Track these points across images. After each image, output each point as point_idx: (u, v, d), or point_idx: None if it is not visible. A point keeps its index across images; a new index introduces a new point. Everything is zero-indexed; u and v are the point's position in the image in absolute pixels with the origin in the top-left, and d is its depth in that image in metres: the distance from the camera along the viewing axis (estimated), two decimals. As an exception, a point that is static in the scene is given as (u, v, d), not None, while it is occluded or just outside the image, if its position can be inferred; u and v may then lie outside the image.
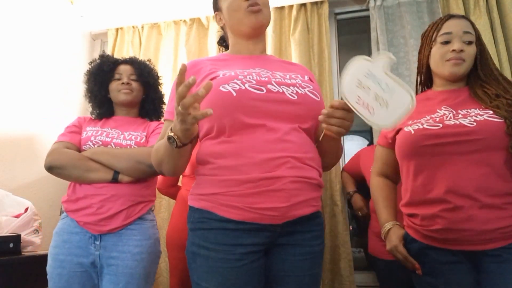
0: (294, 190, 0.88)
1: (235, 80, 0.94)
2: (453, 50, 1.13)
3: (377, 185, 1.32)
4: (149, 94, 1.60)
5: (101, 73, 1.52)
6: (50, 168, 1.36)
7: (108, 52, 2.60)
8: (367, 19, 2.30)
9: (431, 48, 1.21)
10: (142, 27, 2.58)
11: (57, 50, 2.36)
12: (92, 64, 1.56)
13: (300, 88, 0.98)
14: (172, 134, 0.86)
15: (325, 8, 2.29)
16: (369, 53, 0.90)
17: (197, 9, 2.45)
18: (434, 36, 1.20)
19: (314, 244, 0.95)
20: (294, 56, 2.23)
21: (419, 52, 1.28)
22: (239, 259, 0.87)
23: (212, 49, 2.41)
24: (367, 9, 2.28)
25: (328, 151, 1.02)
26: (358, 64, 0.88)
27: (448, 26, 1.17)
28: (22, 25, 2.13)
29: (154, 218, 1.48)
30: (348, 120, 0.88)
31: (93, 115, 1.57)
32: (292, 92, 0.96)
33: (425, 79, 1.29)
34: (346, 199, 2.10)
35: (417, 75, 1.32)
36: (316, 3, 2.33)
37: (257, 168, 0.88)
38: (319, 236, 0.98)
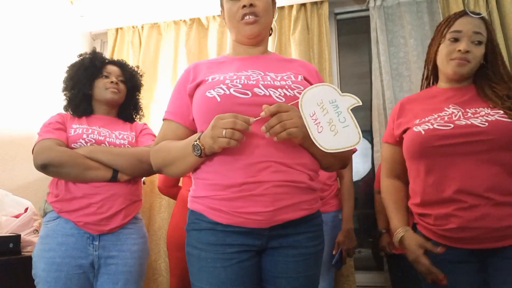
0: (278, 194, 0.87)
1: (221, 85, 0.94)
2: (459, 50, 1.11)
3: (387, 189, 1.26)
4: (131, 98, 1.60)
5: (92, 68, 1.50)
6: (44, 166, 1.29)
7: (108, 52, 2.60)
8: (367, 19, 2.30)
9: (440, 43, 1.18)
10: (142, 27, 2.58)
11: (57, 50, 2.36)
12: (83, 57, 1.54)
13: (289, 89, 0.95)
14: (199, 144, 0.87)
15: (325, 8, 2.29)
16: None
17: (197, 9, 2.44)
18: (444, 32, 1.17)
19: (309, 246, 0.94)
20: (294, 56, 2.23)
21: (429, 45, 1.24)
22: (229, 259, 0.88)
23: (212, 49, 2.40)
24: (367, 9, 2.29)
25: (317, 156, 0.97)
26: (328, 88, 0.91)
27: (460, 24, 1.13)
28: (22, 25, 2.13)
29: (142, 218, 1.51)
30: (291, 118, 0.85)
31: (70, 111, 1.49)
32: (279, 95, 0.94)
33: (431, 74, 1.27)
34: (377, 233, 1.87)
35: (424, 68, 1.29)
36: (316, 3, 2.33)
37: (240, 173, 0.88)
38: (316, 237, 0.96)
